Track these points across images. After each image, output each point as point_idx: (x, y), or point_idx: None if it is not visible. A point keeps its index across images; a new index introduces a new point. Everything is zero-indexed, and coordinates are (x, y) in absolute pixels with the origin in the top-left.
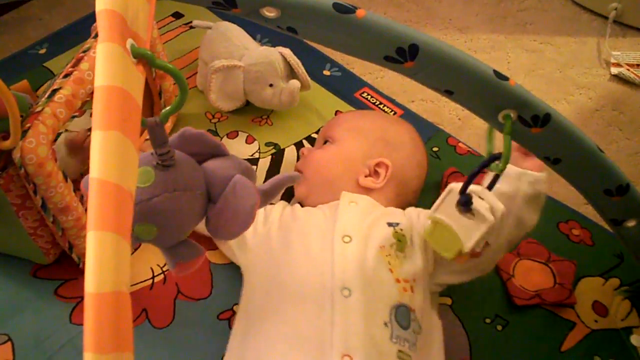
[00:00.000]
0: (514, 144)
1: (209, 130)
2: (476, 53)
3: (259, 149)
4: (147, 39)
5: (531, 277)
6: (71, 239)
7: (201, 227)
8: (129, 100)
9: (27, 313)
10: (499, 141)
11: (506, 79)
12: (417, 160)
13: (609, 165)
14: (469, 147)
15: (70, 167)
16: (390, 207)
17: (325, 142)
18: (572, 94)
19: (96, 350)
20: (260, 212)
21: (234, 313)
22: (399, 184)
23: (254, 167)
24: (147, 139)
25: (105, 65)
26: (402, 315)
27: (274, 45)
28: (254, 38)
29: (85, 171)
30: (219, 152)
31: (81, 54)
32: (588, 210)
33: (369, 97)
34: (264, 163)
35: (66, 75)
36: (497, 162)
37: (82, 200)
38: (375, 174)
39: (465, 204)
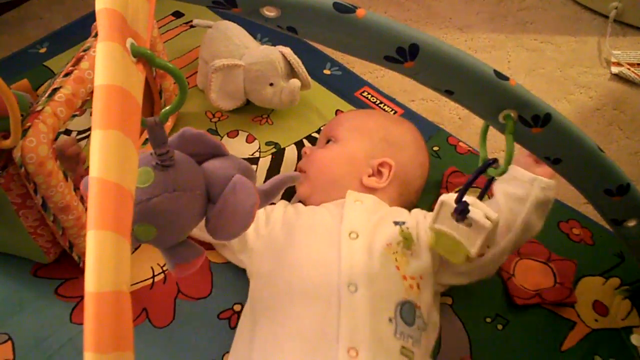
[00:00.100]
0: (526, 150)
1: (209, 129)
2: (476, 52)
3: (259, 148)
4: (147, 38)
5: (531, 276)
6: (71, 238)
7: (200, 234)
8: (128, 99)
9: (27, 312)
10: (494, 142)
11: (506, 78)
12: (419, 160)
13: (610, 164)
14: (470, 147)
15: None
16: (395, 206)
17: (328, 142)
18: (572, 93)
19: (96, 349)
20: (262, 213)
21: (234, 312)
22: (401, 184)
23: (255, 166)
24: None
25: (105, 65)
26: (407, 312)
27: (274, 45)
28: (255, 37)
29: (85, 172)
30: (219, 152)
31: (81, 53)
32: (588, 210)
33: (370, 96)
34: (265, 162)
35: (66, 74)
36: (494, 166)
37: (83, 199)
38: (379, 173)
39: (462, 212)
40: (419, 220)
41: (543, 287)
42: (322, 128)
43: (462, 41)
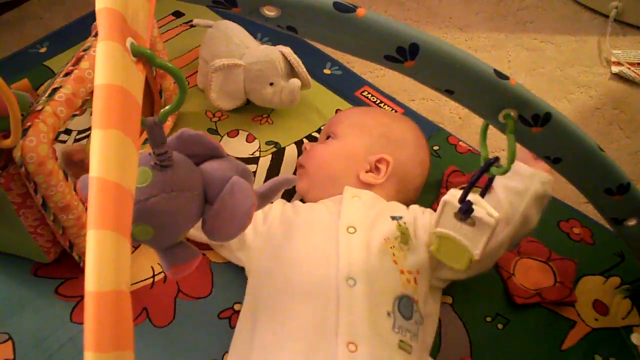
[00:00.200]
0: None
1: (209, 129)
2: (477, 52)
3: (259, 147)
4: (147, 38)
5: (532, 275)
6: (72, 237)
7: (197, 235)
8: (129, 99)
9: (27, 312)
10: (494, 141)
11: (506, 78)
12: (419, 158)
13: (610, 164)
14: (470, 146)
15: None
16: (393, 202)
17: (327, 138)
18: (572, 93)
19: (96, 349)
20: (259, 212)
21: (235, 312)
22: (400, 181)
23: (255, 165)
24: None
25: (105, 64)
26: (405, 306)
27: (274, 44)
28: (255, 37)
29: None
30: (217, 154)
31: (81, 53)
32: (589, 209)
33: (370, 95)
34: (265, 162)
35: (67, 74)
36: (496, 165)
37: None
38: (376, 169)
39: (466, 212)
40: (417, 215)
41: (543, 286)
42: (322, 127)
43: (462, 41)
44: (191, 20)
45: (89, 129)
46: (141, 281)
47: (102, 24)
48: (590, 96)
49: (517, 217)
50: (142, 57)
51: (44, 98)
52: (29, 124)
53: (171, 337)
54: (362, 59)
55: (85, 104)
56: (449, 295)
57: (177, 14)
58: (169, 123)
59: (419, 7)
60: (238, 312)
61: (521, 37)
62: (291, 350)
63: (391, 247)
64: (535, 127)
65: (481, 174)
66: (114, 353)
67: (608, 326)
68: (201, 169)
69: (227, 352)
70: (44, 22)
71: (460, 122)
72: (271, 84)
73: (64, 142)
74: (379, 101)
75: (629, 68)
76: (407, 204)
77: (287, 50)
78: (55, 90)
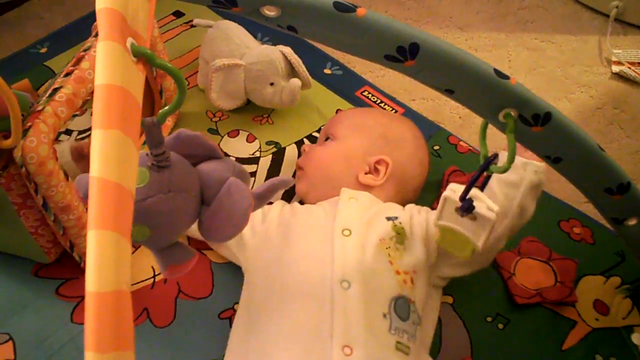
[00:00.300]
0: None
1: (209, 129)
2: (477, 51)
3: (259, 147)
4: (147, 38)
5: (532, 275)
6: (72, 238)
7: (197, 233)
8: (129, 99)
9: (28, 312)
10: (494, 141)
11: (507, 77)
12: (418, 159)
13: (610, 163)
14: (470, 146)
15: (71, 172)
16: (390, 202)
17: (326, 139)
18: (573, 92)
19: (97, 349)
20: (259, 212)
21: (235, 312)
22: (399, 182)
23: (255, 165)
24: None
25: (105, 64)
26: (401, 307)
27: (274, 44)
28: (255, 37)
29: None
30: (214, 155)
31: (82, 53)
32: (589, 209)
33: (370, 95)
34: (265, 162)
35: (67, 74)
36: (495, 162)
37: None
38: (375, 171)
39: (467, 209)
40: (413, 214)
41: (544, 286)
42: (322, 127)
43: (462, 40)
44: (191, 20)
45: (90, 129)
46: (142, 281)
47: (102, 24)
48: (591, 96)
49: (514, 209)
50: (143, 57)
51: (44, 98)
52: (29, 124)
53: (172, 337)
54: (363, 58)
55: (85, 104)
56: (450, 295)
57: (178, 14)
58: (169, 123)
59: (419, 6)
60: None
61: (521, 36)
62: (287, 353)
63: (387, 248)
64: (536, 126)
65: (481, 172)
66: (115, 353)
67: (609, 326)
68: (198, 170)
69: None
70: (45, 22)
71: (461, 121)
72: (271, 84)
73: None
74: (379, 101)
75: (629, 67)
76: (406, 204)
77: (288, 50)
78: (55, 90)
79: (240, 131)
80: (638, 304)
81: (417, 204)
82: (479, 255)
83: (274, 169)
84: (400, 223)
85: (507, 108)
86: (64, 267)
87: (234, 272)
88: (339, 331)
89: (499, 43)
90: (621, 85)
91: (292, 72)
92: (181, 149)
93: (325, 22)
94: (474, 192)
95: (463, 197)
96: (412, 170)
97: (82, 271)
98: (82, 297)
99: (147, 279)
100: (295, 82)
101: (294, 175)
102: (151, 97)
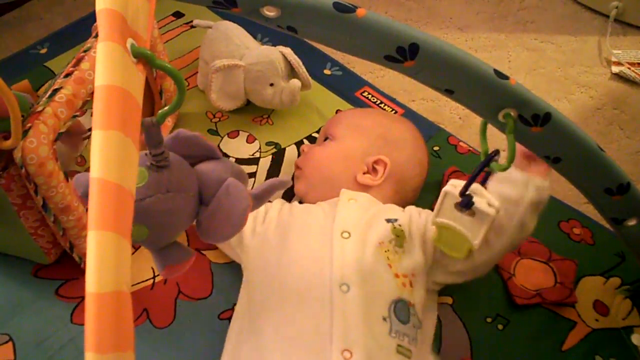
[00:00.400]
0: (520, 148)
1: (209, 129)
2: (477, 52)
3: (259, 148)
4: (147, 39)
5: (532, 276)
6: (72, 238)
7: None
8: (129, 99)
9: (28, 313)
10: (494, 141)
11: (506, 78)
12: (417, 159)
13: (610, 164)
14: (470, 147)
15: (63, 155)
16: (389, 204)
17: (325, 139)
18: (572, 93)
19: (97, 350)
20: (261, 211)
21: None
22: (398, 182)
23: (255, 166)
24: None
25: (105, 65)
26: (401, 310)
27: (274, 45)
28: (255, 37)
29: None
30: (212, 155)
31: (82, 54)
32: (589, 209)
33: (370, 96)
34: (265, 162)
35: (67, 75)
36: (495, 158)
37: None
38: (374, 171)
39: (467, 205)
40: (412, 215)
41: (543, 286)
42: (322, 128)
43: (462, 41)
44: (191, 21)
45: (90, 129)
46: (142, 282)
47: (102, 24)
48: (591, 96)
49: (513, 225)
50: (142, 58)
51: (44, 99)
52: (29, 125)
53: (171, 338)
54: (362, 59)
55: (85, 105)
56: (449, 296)
57: (177, 15)
58: (169, 124)
59: (419, 7)
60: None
61: (521, 37)
62: (285, 354)
63: (385, 251)
64: (535, 126)
65: (482, 168)
66: (115, 354)
67: (608, 327)
68: (197, 170)
69: None
70: (45, 23)
71: (461, 122)
72: (271, 84)
73: None
74: (379, 102)
75: (629, 68)
76: (406, 205)
77: (288, 51)
78: (55, 91)
79: (240, 132)
80: (638, 304)
81: (416, 204)
82: (474, 266)
83: (274, 169)
84: (399, 225)
85: (506, 108)
86: (64, 268)
87: (234, 272)
88: (339, 335)
89: (498, 43)
90: (621, 85)
91: (292, 72)
92: (180, 149)
93: (325, 22)
94: (475, 187)
95: (463, 193)
96: (411, 170)
97: (82, 272)
98: (82, 298)
99: (147, 280)
100: (295, 82)
101: (293, 176)
102: (151, 98)
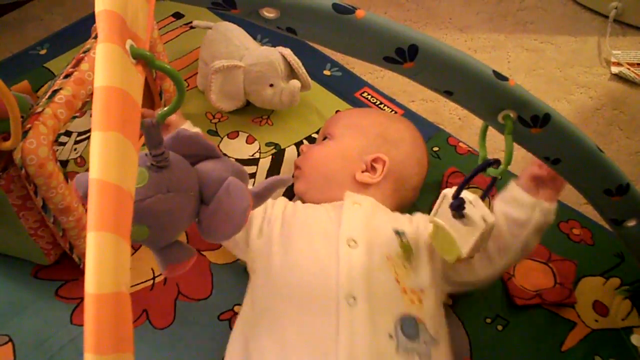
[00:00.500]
0: (529, 172)
1: (209, 130)
2: (476, 52)
3: (259, 149)
4: (146, 40)
5: (531, 277)
6: (72, 239)
7: None
8: (128, 100)
9: (27, 314)
10: (494, 142)
11: (506, 79)
12: (416, 157)
13: (609, 164)
14: (470, 147)
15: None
16: (396, 212)
17: (324, 139)
18: (572, 93)
19: (96, 351)
20: (267, 211)
21: (235, 313)
22: (397, 180)
23: (255, 167)
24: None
25: (104, 66)
26: (408, 327)
27: (274, 45)
28: (255, 38)
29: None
30: (212, 154)
31: (81, 55)
32: (588, 210)
33: (370, 97)
34: (265, 163)
35: (67, 76)
36: (494, 167)
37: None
38: (372, 169)
39: (457, 208)
40: (419, 225)
41: (543, 287)
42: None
43: (461, 41)
44: (191, 22)
45: (89, 130)
46: (141, 283)
47: (101, 26)
48: (590, 97)
49: (517, 246)
50: (142, 59)
51: (44, 100)
52: (29, 126)
53: (171, 338)
54: (362, 60)
55: (85, 106)
56: (449, 297)
57: (177, 16)
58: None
59: (418, 8)
60: (238, 314)
61: (521, 37)
62: None
63: (393, 265)
64: (535, 128)
65: (476, 173)
66: (114, 355)
67: (608, 327)
68: (197, 169)
69: None
70: (44, 24)
71: (460, 123)
72: (271, 85)
73: (64, 144)
74: (378, 102)
75: (628, 68)
76: (406, 205)
77: (287, 52)
78: (55, 92)
79: (240, 132)
80: (637, 305)
81: (416, 204)
82: (476, 279)
83: (274, 170)
84: (407, 240)
85: (506, 110)
86: (64, 269)
87: (234, 273)
88: (345, 350)
89: (498, 44)
90: (620, 86)
91: (292, 73)
92: (180, 149)
93: (324, 23)
94: (473, 198)
95: (455, 195)
96: (410, 168)
97: (81, 273)
98: (82, 299)
99: (146, 281)
100: (295, 83)
101: (293, 176)
102: (151, 99)
